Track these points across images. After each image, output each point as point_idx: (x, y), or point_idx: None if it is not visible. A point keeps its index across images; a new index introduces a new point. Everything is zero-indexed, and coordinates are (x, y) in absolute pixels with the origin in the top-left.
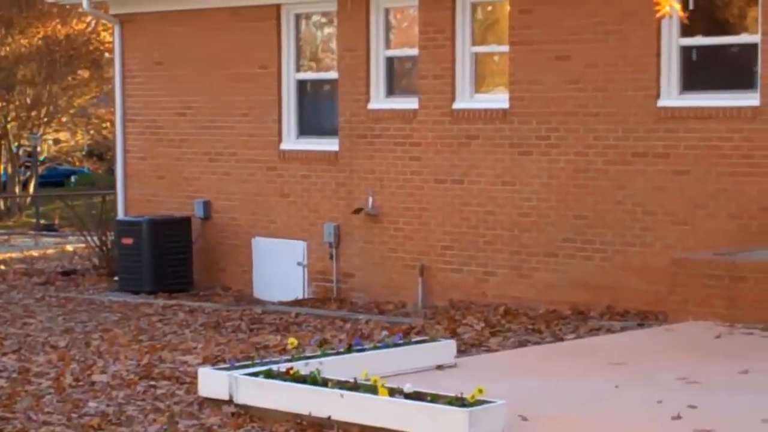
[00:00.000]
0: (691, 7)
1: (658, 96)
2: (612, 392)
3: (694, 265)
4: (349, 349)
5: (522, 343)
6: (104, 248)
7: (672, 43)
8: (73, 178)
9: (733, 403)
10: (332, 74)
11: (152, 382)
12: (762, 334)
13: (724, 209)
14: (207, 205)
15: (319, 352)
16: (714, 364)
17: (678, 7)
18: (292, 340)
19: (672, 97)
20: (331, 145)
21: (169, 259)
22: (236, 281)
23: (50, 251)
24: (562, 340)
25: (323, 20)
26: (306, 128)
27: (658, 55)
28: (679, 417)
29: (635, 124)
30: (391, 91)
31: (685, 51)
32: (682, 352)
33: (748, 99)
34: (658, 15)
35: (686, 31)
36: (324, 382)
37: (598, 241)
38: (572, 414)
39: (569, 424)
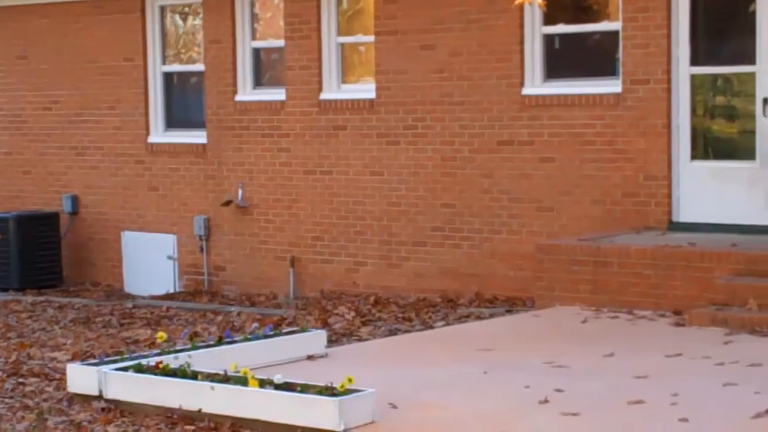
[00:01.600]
0: None
1: (522, 84)
2: (481, 378)
3: (560, 251)
4: (220, 342)
5: (392, 332)
6: None
7: (535, 32)
8: None
9: (598, 386)
10: (199, 66)
11: (21, 380)
12: (626, 318)
13: (588, 195)
14: (75, 200)
15: (189, 345)
16: (580, 348)
17: None
18: (161, 334)
19: (536, 85)
20: (199, 137)
21: (38, 255)
22: (106, 276)
23: None
24: (431, 327)
25: (189, 12)
26: (173, 121)
27: (521, 43)
28: (546, 401)
29: (500, 112)
30: (258, 82)
31: (548, 39)
32: (549, 337)
33: (611, 86)
34: (516, 2)
35: (549, 19)
36: (194, 375)
37: (466, 229)
38: (442, 401)
39: (438, 411)
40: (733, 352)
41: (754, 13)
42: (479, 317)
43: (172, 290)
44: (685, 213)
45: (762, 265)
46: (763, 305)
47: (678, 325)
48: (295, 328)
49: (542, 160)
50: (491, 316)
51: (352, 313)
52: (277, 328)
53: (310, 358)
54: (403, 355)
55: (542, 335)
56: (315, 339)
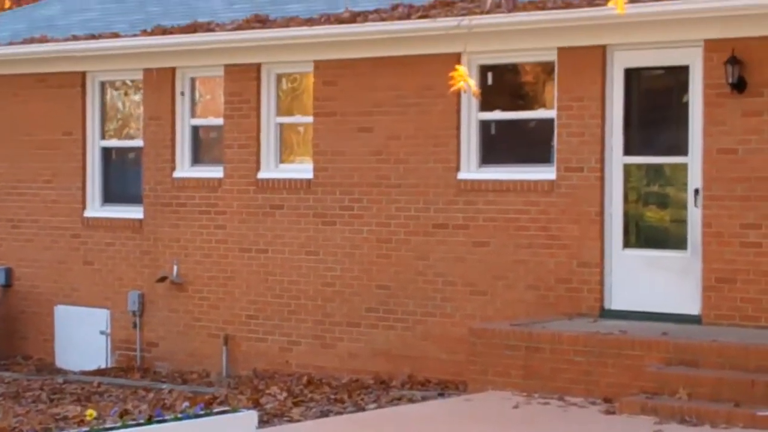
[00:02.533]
0: (489, 82)
1: (458, 169)
2: None
3: (493, 336)
4: (150, 421)
5: (324, 413)
6: None
7: (471, 117)
8: None
9: None
10: (138, 142)
11: None
12: (558, 404)
13: (522, 280)
14: (8, 273)
15: (119, 424)
16: None
17: (472, 83)
18: (90, 412)
19: (471, 170)
20: (135, 212)
21: None
22: (38, 350)
23: None
24: (363, 409)
25: (129, 88)
26: (111, 196)
27: (458, 128)
28: None
29: (436, 195)
30: (196, 159)
31: (484, 125)
32: (480, 423)
33: (545, 173)
34: (452, 89)
35: (485, 105)
36: None
37: (400, 310)
38: None
39: None
40: None
41: (687, 104)
42: (411, 400)
43: (104, 365)
44: (617, 300)
45: (692, 354)
46: (693, 395)
47: (609, 412)
48: (225, 408)
49: (477, 244)
50: (423, 399)
51: (284, 394)
52: (208, 407)
53: None
54: None
55: (474, 420)
56: (246, 420)
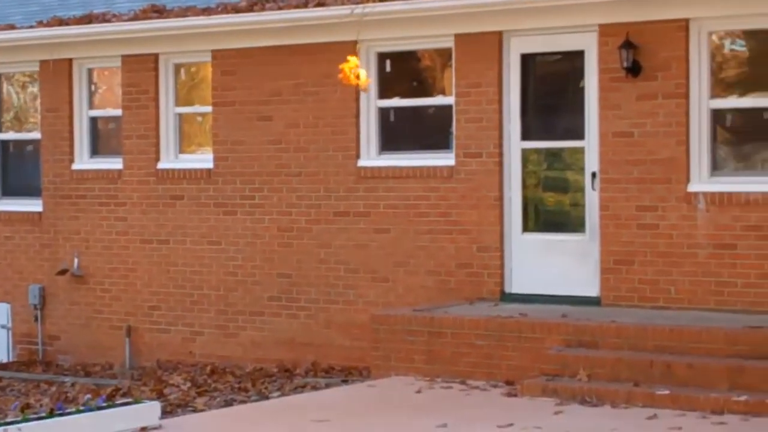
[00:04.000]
0: (388, 69)
1: (358, 156)
2: None
3: (395, 322)
4: (51, 414)
5: (228, 403)
6: None
7: (370, 105)
8: None
9: None
10: (36, 134)
11: None
12: (460, 388)
13: (423, 266)
14: None
15: (20, 418)
16: (414, 418)
17: (363, 74)
18: None
19: (371, 157)
20: (34, 205)
21: None
22: None
23: None
24: (267, 398)
25: (26, 80)
26: (9, 189)
27: (357, 116)
28: None
29: (336, 183)
30: (95, 151)
31: (383, 112)
32: (383, 408)
33: (444, 159)
34: (342, 80)
35: (384, 92)
36: None
37: (302, 299)
38: None
39: None
40: (564, 423)
41: (583, 89)
42: (315, 387)
43: (5, 360)
44: (518, 284)
45: (591, 336)
46: (593, 375)
47: (510, 395)
48: (128, 400)
49: (378, 231)
50: (327, 386)
51: (188, 384)
52: (111, 399)
53: (143, 430)
54: (237, 426)
55: (377, 406)
56: (148, 410)
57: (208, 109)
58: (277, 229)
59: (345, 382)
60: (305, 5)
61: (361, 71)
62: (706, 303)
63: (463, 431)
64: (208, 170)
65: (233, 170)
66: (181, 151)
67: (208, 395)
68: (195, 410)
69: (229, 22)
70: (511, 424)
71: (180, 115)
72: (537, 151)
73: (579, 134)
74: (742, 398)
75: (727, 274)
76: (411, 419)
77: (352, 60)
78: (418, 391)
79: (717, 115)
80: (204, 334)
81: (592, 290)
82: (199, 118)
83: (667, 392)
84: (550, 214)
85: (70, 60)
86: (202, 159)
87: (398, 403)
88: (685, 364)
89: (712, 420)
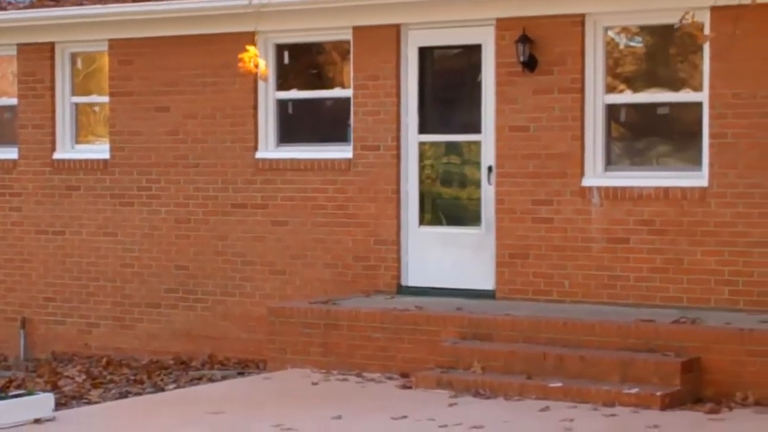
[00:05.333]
0: (286, 61)
1: (256, 148)
2: None
3: (291, 314)
4: None
5: (123, 395)
6: None
7: (268, 97)
8: None
9: None
10: None
11: None
12: (356, 380)
13: (320, 259)
14: None
15: None
16: (309, 410)
17: (262, 64)
18: None
19: (269, 149)
20: None
21: None
22: None
23: None
24: (163, 390)
25: None
26: None
27: (255, 107)
28: None
29: (234, 175)
30: None
31: (282, 104)
32: (279, 400)
33: (342, 151)
34: (241, 69)
35: (283, 84)
36: None
37: (199, 291)
38: None
39: None
40: (457, 414)
41: (480, 83)
42: (211, 380)
43: None
44: (414, 277)
45: (486, 328)
46: (487, 368)
47: (405, 387)
48: (22, 391)
49: (275, 224)
50: (223, 378)
51: (83, 376)
52: (4, 390)
53: (37, 421)
54: (132, 418)
55: (273, 398)
56: (42, 402)
57: (105, 99)
58: (174, 221)
59: (241, 374)
60: None
61: (260, 60)
62: (599, 297)
63: (357, 423)
64: (105, 161)
65: (130, 161)
66: (78, 142)
67: (104, 387)
68: (89, 402)
69: (125, 11)
70: (405, 416)
71: (76, 104)
72: (434, 144)
73: (476, 128)
74: (633, 391)
75: (620, 268)
76: (306, 411)
77: (251, 49)
78: (314, 383)
79: (612, 110)
80: (100, 326)
81: (488, 283)
82: (96, 108)
83: (559, 384)
84: (446, 208)
85: None
86: (99, 149)
87: (294, 395)
88: (577, 356)
89: (603, 412)
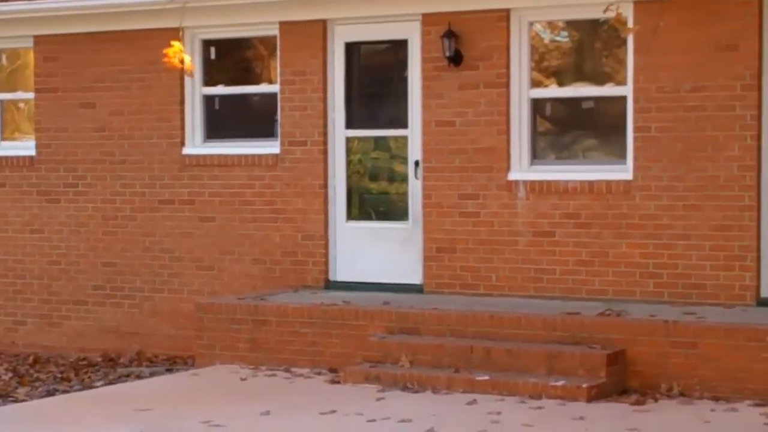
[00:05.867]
0: (213, 56)
1: (182, 144)
2: None
3: (219, 310)
4: None
5: (50, 393)
6: None
7: (195, 92)
8: None
9: None
10: None
11: None
12: (284, 376)
13: (248, 254)
14: None
15: None
16: (238, 406)
17: (188, 60)
18: None
19: (196, 145)
20: None
21: None
22: None
23: None
24: (91, 387)
25: None
26: None
27: (182, 103)
28: None
29: (161, 171)
30: None
31: (208, 100)
32: (207, 396)
33: (269, 147)
34: (166, 65)
35: (209, 80)
36: None
37: (127, 287)
38: None
39: None
40: (385, 409)
41: (406, 78)
42: (139, 377)
43: None
44: (342, 272)
45: (413, 323)
46: (415, 362)
47: (334, 382)
48: None
49: (203, 220)
50: (151, 375)
51: (10, 374)
52: None
53: None
54: (59, 416)
55: (201, 394)
56: None
57: (31, 95)
58: (101, 218)
59: (170, 371)
60: None
61: (185, 56)
62: (526, 290)
63: (286, 418)
64: (31, 157)
65: (56, 158)
66: (3, 138)
67: (30, 385)
68: (16, 400)
69: (50, 8)
70: (334, 411)
71: (2, 101)
72: (362, 139)
73: (403, 123)
74: (560, 383)
75: (546, 261)
76: (235, 407)
77: (176, 45)
78: (243, 379)
79: (537, 105)
80: (27, 323)
81: (416, 278)
82: (22, 105)
83: (486, 378)
84: (374, 203)
85: None
86: (25, 146)
87: (222, 391)
88: (504, 350)
89: (530, 404)
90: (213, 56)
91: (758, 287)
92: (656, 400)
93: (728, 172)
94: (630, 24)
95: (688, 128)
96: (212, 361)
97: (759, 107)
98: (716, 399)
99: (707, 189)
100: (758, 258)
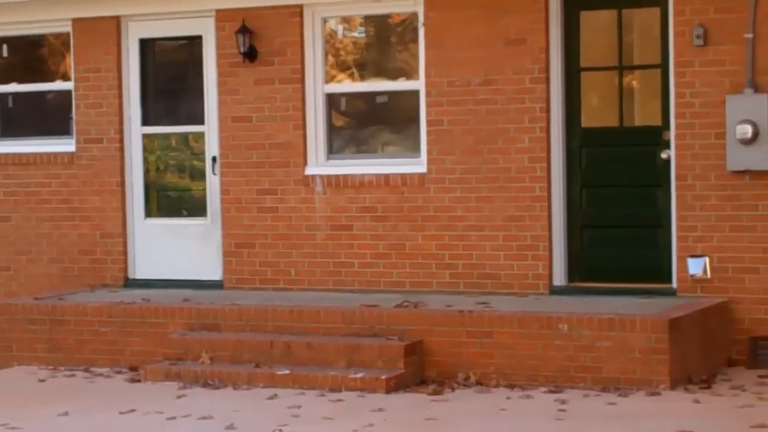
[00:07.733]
0: (5, 54)
1: None
2: None
3: (16, 311)
4: None
5: None
6: None
7: None
8: None
9: None
10: None
11: None
12: (84, 376)
13: (45, 254)
14: None
15: None
16: (35, 408)
17: None
18: None
19: None
20: None
21: None
22: None
23: None
24: None
25: None
26: None
27: None
28: None
29: None
30: None
31: (2, 98)
32: (5, 399)
33: (65, 145)
34: None
35: (2, 78)
36: None
37: None
38: None
39: None
40: (186, 406)
41: (202, 74)
42: None
43: None
44: (142, 270)
45: (213, 319)
46: (216, 358)
47: (134, 381)
48: None
49: None
50: None
51: None
52: None
53: None
54: None
55: None
56: None
57: None
58: None
59: None
60: None
61: None
62: (326, 284)
63: (84, 419)
64: None
65: None
66: None
67: None
68: None
69: None
70: (134, 410)
71: None
72: (159, 136)
73: (199, 119)
74: (359, 375)
75: (345, 254)
76: (32, 409)
77: None
78: (41, 381)
79: (332, 100)
80: None
81: (216, 274)
82: None
83: (287, 372)
84: (172, 199)
85: None
86: None
87: (20, 393)
88: (304, 343)
89: (330, 397)
90: (5, 53)
91: (550, 276)
92: (453, 389)
93: (519, 163)
94: (420, 19)
95: (480, 121)
96: (9, 362)
97: (547, 100)
98: (512, 387)
99: (499, 180)
100: (550, 248)
